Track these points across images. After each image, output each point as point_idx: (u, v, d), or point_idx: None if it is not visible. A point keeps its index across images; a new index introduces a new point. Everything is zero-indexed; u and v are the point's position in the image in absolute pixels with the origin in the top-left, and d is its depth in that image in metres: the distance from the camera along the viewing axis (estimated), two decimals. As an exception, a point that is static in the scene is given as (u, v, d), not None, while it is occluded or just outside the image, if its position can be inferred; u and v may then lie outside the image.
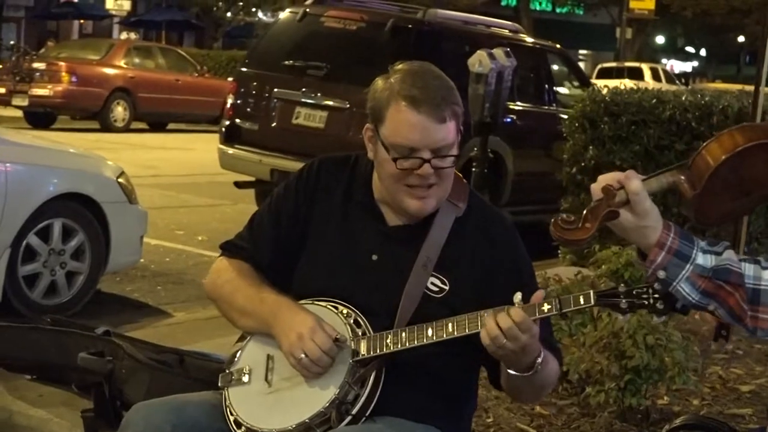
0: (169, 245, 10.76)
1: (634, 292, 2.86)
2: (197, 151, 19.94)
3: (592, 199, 2.53)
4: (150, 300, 8.54)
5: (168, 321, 7.93)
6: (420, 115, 3.07)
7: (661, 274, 2.45)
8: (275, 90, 11.69)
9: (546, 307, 2.93)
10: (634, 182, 2.45)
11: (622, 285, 2.92)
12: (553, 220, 2.56)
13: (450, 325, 3.02)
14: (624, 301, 2.86)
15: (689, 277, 2.42)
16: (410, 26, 11.58)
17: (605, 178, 2.52)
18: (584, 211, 2.52)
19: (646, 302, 2.83)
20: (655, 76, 38.83)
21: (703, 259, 2.42)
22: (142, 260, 8.75)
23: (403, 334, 3.07)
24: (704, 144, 2.51)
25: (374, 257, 3.24)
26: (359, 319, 3.15)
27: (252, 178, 12.02)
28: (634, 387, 4.88)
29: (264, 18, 46.24)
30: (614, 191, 2.49)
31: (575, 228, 2.54)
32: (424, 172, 3.11)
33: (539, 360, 3.03)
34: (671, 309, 2.80)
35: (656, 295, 2.81)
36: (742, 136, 2.47)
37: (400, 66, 3.20)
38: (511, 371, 3.05)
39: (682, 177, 2.53)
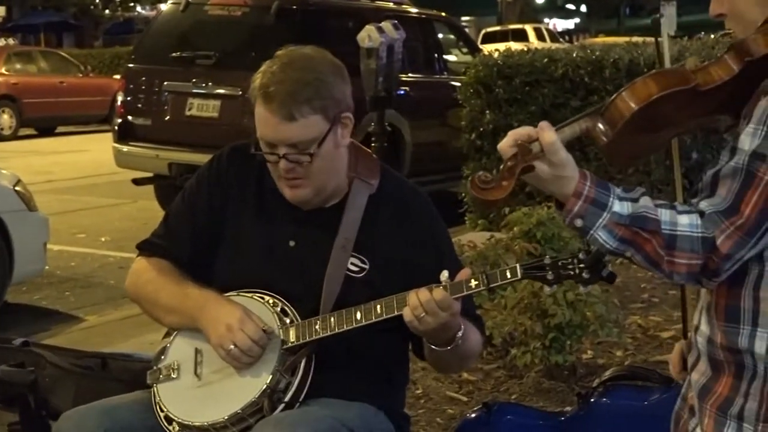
0: (72, 249, 10.63)
1: (559, 263, 2.87)
2: (91, 152, 19.65)
3: (503, 157, 2.50)
4: (60, 306, 8.46)
5: (81, 326, 7.86)
6: (268, 113, 3.05)
7: (579, 222, 2.43)
8: (165, 83, 11.56)
9: (474, 283, 2.93)
10: (548, 133, 2.41)
11: (547, 257, 2.94)
12: (470, 179, 2.54)
13: (378, 307, 3.01)
14: (550, 272, 2.88)
15: (606, 224, 2.41)
16: (295, 7, 11.50)
17: (515, 134, 2.49)
18: (500, 169, 2.50)
19: (572, 272, 2.86)
20: (540, 37, 39.07)
21: (620, 207, 2.40)
22: (47, 267, 8.62)
23: (332, 319, 3.05)
24: (618, 92, 2.49)
25: (291, 243, 3.22)
26: (286, 308, 3.13)
27: (150, 174, 11.88)
28: (559, 344, 4.91)
29: (143, 12, 45.78)
30: (528, 146, 2.46)
31: (493, 187, 2.51)
32: (282, 166, 3.09)
33: (459, 334, 3.04)
34: (597, 278, 2.84)
35: (582, 265, 2.84)
36: (656, 84, 2.46)
37: (278, 53, 3.17)
38: (432, 346, 3.08)
39: (598, 124, 2.52)
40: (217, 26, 11.67)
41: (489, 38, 37.68)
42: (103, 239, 11.08)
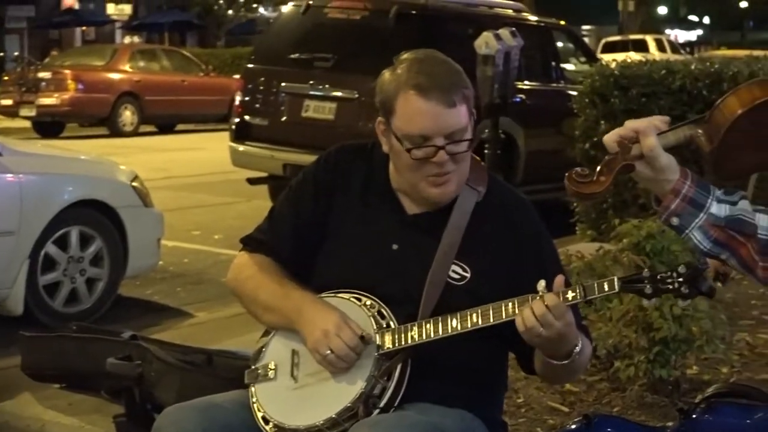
0: (186, 246, 10.77)
1: (658, 277, 2.84)
2: (208, 151, 19.90)
3: (607, 150, 2.51)
4: (171, 302, 8.56)
5: (190, 321, 7.96)
6: (429, 102, 3.05)
7: (675, 221, 2.44)
8: (283, 84, 11.69)
9: (570, 295, 2.91)
10: (649, 139, 2.43)
11: (646, 270, 2.91)
12: (567, 174, 2.54)
13: (474, 315, 3.00)
14: (648, 286, 2.84)
15: (702, 225, 2.41)
16: (414, 12, 11.56)
17: (620, 130, 2.49)
18: (599, 165, 2.50)
19: (671, 287, 2.82)
20: (660, 47, 38.71)
21: (717, 209, 2.41)
22: (160, 262, 8.76)
23: (428, 326, 3.04)
24: (722, 97, 2.49)
25: (395, 246, 3.21)
26: (383, 311, 3.12)
27: (265, 174, 12.02)
28: (663, 358, 4.86)
29: (265, 13, 46.18)
30: (629, 145, 2.46)
31: (589, 181, 2.52)
32: (440, 159, 3.08)
33: (577, 349, 3.02)
34: (697, 292, 2.79)
35: (680, 279, 2.79)
36: (761, 89, 2.45)
37: (405, 56, 3.17)
38: (548, 359, 3.04)
39: (700, 131, 2.51)
40: (336, 29, 11.76)
41: (609, 48, 37.49)
42: (216, 237, 11.22)
